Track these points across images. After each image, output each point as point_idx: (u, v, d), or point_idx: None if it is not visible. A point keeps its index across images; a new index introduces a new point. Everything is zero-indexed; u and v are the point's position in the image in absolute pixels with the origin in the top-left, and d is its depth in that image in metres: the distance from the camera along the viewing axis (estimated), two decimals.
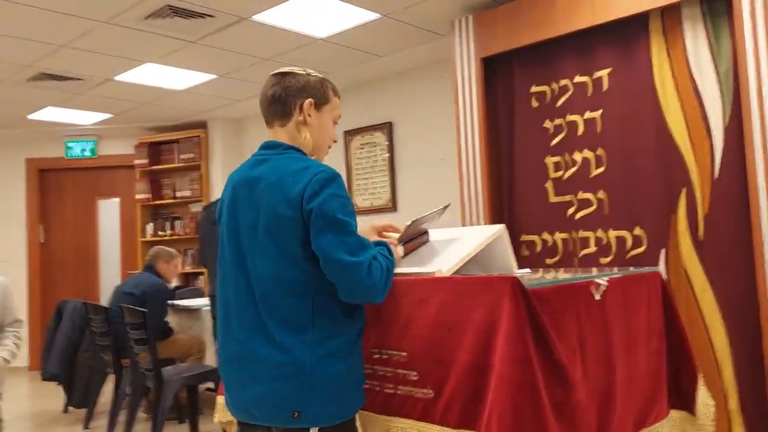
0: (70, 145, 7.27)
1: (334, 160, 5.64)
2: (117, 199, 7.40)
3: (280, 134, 1.66)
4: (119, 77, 5.08)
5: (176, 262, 4.79)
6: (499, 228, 1.82)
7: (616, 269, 1.70)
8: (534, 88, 3.59)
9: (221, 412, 1.97)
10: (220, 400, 2.03)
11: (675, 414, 1.76)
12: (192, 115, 6.63)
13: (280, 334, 1.50)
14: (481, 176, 3.75)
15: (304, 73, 1.69)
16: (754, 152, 2.80)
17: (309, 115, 1.65)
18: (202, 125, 6.88)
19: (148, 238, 6.96)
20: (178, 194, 6.91)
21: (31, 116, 6.37)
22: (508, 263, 1.84)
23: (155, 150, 6.97)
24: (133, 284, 4.50)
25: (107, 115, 6.47)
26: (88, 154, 7.30)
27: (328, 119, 1.72)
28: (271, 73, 1.71)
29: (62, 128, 6.93)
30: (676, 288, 3.12)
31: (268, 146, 1.66)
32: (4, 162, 7.27)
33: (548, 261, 3.59)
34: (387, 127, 5.22)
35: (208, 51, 4.47)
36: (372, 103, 5.39)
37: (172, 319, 4.84)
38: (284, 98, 1.64)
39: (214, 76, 5.14)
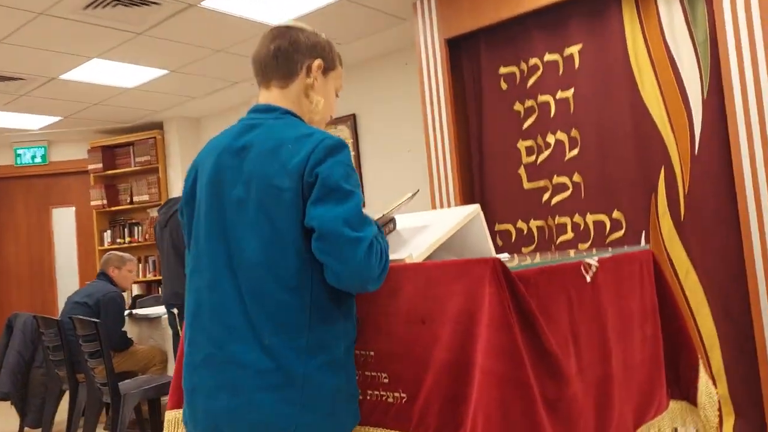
0: (19, 151, 6.90)
1: None
2: (72, 208, 7.04)
3: (279, 97, 1.42)
4: (64, 76, 4.77)
5: (129, 266, 4.51)
6: (474, 208, 1.63)
7: (605, 250, 1.52)
8: (502, 69, 3.42)
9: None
10: (172, 415, 1.79)
11: (675, 405, 1.59)
12: (146, 115, 6.33)
13: (270, 335, 1.26)
14: (451, 164, 3.56)
15: (312, 31, 1.47)
16: (737, 125, 2.67)
17: (316, 79, 1.43)
18: (158, 126, 6.57)
19: (107, 246, 6.63)
20: (136, 199, 6.59)
21: None
22: (485, 247, 1.66)
23: (110, 154, 6.64)
24: (86, 293, 4.22)
25: (56, 118, 6.13)
26: (39, 160, 6.93)
27: (332, 88, 1.50)
28: (272, 27, 1.47)
29: (10, 134, 6.56)
30: None
31: (261, 109, 1.41)
32: None
33: (524, 250, 3.42)
34: (351, 120, 5.01)
35: (157, 43, 4.21)
36: None
37: (131, 330, 4.57)
38: (291, 54, 1.41)
39: (166, 72, 4.87)
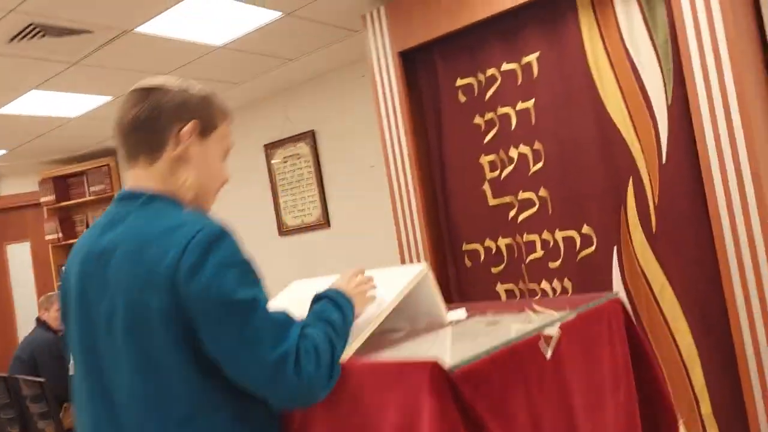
0: None
1: (256, 177, 5.19)
2: (27, 243, 6.73)
3: (146, 176, 1.17)
4: (1, 110, 4.50)
5: (57, 305, 4.27)
6: (420, 269, 1.44)
7: (567, 310, 1.34)
8: (459, 81, 3.25)
9: None
10: None
11: None
12: (96, 143, 6.05)
13: None
14: (412, 183, 3.38)
15: (180, 87, 1.19)
16: (704, 130, 2.52)
17: (190, 147, 1.17)
18: (110, 152, 6.29)
19: None
20: None
21: None
22: (436, 309, 1.47)
23: (62, 184, 6.35)
24: (22, 346, 3.98)
25: (1, 151, 5.82)
26: None
27: (217, 152, 1.23)
28: (132, 88, 1.22)
29: None
30: (635, 288, 2.83)
31: (125, 197, 1.17)
32: None
33: (494, 270, 3.26)
34: (310, 137, 4.80)
35: (95, 71, 3.96)
36: (290, 112, 4.96)
37: None
38: (153, 123, 1.15)
39: (110, 98, 4.61)
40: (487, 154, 3.21)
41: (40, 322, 4.20)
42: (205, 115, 1.20)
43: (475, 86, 3.19)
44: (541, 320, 1.26)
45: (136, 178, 1.19)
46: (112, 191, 6.19)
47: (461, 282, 3.36)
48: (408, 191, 3.40)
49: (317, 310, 1.22)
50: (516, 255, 3.18)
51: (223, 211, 5.17)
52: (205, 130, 1.21)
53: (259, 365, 1.01)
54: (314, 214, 4.83)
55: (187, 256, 1.02)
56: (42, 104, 4.50)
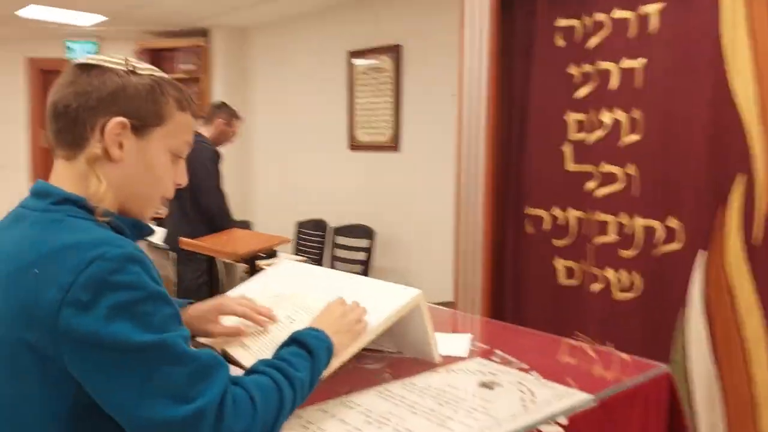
0: (71, 45, 6.72)
1: (334, 85, 4.89)
2: None
3: (63, 174, 0.98)
4: None
5: None
6: (414, 297, 1.17)
7: (587, 396, 1.02)
8: (560, 22, 2.75)
9: None
10: None
11: None
12: (189, 22, 5.92)
13: None
14: (484, 125, 2.99)
15: (120, 70, 0.96)
16: None
17: (118, 146, 0.96)
18: (204, 33, 6.17)
19: None
20: None
21: (19, 13, 5.79)
22: (424, 341, 1.21)
23: (156, 57, 6.35)
24: None
25: (101, 18, 5.83)
26: None
27: (160, 152, 1.01)
28: (74, 62, 1.01)
29: (61, 28, 6.36)
30: (716, 304, 2.41)
31: (37, 192, 0.98)
32: (2, 60, 6.81)
33: (556, 242, 2.89)
34: (395, 51, 4.40)
35: None
36: (380, 21, 4.55)
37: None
38: (75, 112, 0.95)
39: None
40: (575, 112, 2.76)
41: None
42: (144, 108, 0.97)
43: (578, 30, 2.69)
44: (546, 406, 0.96)
45: (55, 171, 1.00)
46: (199, 73, 6.13)
47: (517, 248, 3.03)
48: (477, 134, 3.02)
49: (279, 355, 1.01)
50: (584, 232, 2.79)
51: (296, 115, 4.97)
52: (144, 126, 0.98)
53: (164, 425, 0.81)
54: (386, 134, 4.53)
55: (75, 291, 0.82)
56: None
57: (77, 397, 0.85)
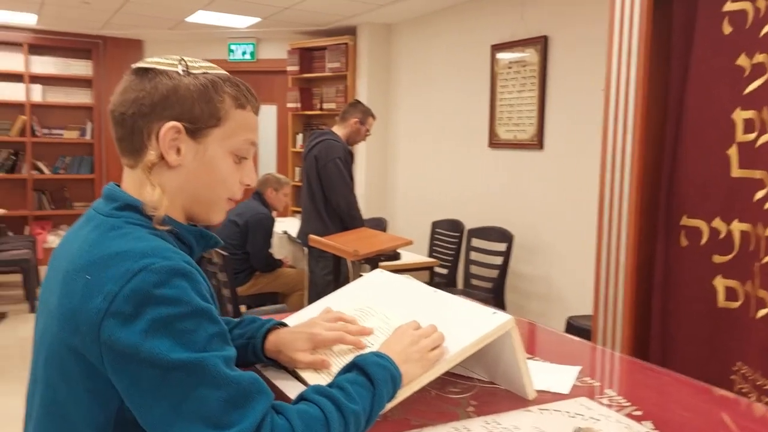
0: (232, 47, 7.20)
1: (475, 81, 4.73)
2: (274, 106, 7.27)
3: (127, 179, 0.98)
4: None
5: (286, 190, 4.47)
6: (500, 325, 1.03)
7: None
8: (729, 5, 2.39)
9: None
10: None
11: None
12: (336, 20, 6.06)
13: None
14: (633, 123, 2.70)
15: (174, 72, 0.94)
16: None
17: (176, 151, 0.94)
18: (351, 31, 6.29)
19: (298, 148, 6.78)
20: (325, 106, 6.54)
21: (188, 19, 6.30)
22: (516, 373, 1.07)
23: (307, 56, 6.60)
24: (238, 211, 4.27)
25: (257, 19, 6.17)
26: (248, 57, 7.18)
27: (223, 151, 0.97)
28: (132, 65, 1.00)
29: (224, 31, 6.84)
30: None
31: (107, 195, 0.98)
32: None
33: (716, 259, 2.54)
34: (541, 43, 4.15)
35: None
36: (525, 12, 4.31)
37: (286, 250, 4.61)
38: (131, 119, 0.94)
39: None
40: (744, 109, 2.39)
41: (259, 197, 4.48)
42: (198, 109, 0.94)
43: (750, 15, 2.32)
44: None
45: (124, 176, 1.00)
46: (346, 70, 6.26)
47: (669, 263, 2.71)
48: (625, 132, 2.74)
49: (336, 382, 0.93)
50: (751, 249, 2.41)
51: (437, 111, 4.90)
52: (200, 128, 0.95)
53: None
54: (528, 131, 4.30)
55: (118, 302, 0.80)
56: None
57: (120, 412, 0.84)
